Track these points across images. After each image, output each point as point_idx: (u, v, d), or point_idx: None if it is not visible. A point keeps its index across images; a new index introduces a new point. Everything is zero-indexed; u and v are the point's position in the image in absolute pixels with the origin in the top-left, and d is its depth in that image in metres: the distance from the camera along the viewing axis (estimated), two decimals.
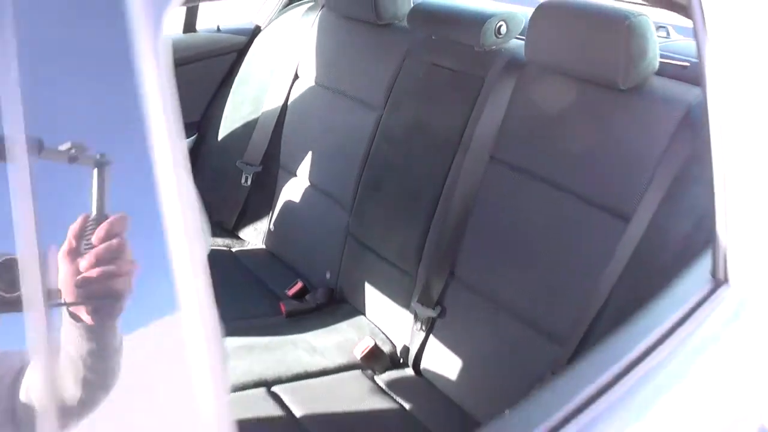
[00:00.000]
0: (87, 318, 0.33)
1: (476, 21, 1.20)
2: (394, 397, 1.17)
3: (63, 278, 0.32)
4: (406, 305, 1.25)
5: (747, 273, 0.72)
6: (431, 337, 1.21)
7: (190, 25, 1.72)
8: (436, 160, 1.24)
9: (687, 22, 0.74)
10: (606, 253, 0.95)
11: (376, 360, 1.24)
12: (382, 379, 1.22)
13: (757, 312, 0.74)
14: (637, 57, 0.95)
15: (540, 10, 1.07)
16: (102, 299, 0.34)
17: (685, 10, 0.71)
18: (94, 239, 0.33)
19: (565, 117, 1.08)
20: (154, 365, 0.34)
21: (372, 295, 1.34)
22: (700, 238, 0.82)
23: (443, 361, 1.18)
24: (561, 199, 1.04)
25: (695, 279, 0.73)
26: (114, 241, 0.33)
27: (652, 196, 0.90)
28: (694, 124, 0.90)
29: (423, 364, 1.22)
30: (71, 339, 0.33)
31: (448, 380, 1.17)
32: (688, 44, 1.14)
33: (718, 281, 0.71)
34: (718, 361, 0.70)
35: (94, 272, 0.33)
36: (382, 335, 1.30)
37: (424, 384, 1.22)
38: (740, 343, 0.72)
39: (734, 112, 0.71)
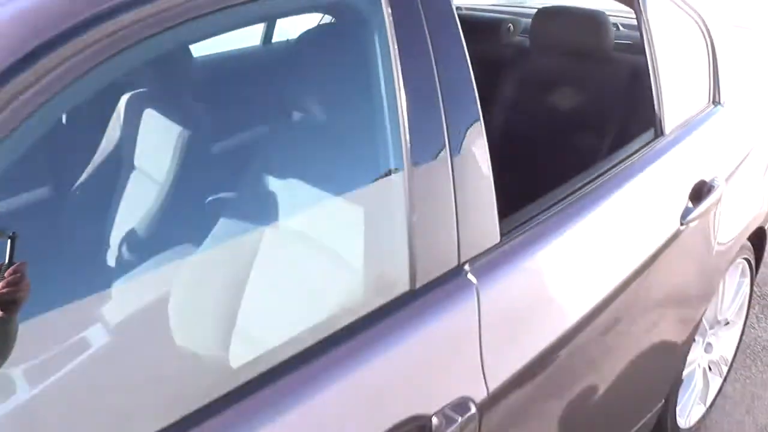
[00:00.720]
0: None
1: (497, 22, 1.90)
2: None
3: None
4: None
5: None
6: None
7: None
8: None
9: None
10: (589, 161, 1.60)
11: None
12: None
13: None
14: (606, 39, 1.64)
15: (541, 12, 1.76)
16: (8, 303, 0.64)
17: (631, 5, 1.39)
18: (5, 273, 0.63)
19: (560, 79, 1.77)
20: None
21: None
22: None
23: None
24: (555, 120, 1.72)
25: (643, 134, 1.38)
26: (16, 275, 0.62)
27: (620, 115, 1.59)
28: (638, 74, 1.58)
29: None
30: None
31: None
32: (629, 33, 1.87)
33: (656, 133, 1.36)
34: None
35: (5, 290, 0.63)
36: None
37: None
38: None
39: (660, 61, 1.38)
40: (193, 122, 1.08)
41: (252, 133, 1.15)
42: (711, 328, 1.76)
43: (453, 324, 0.87)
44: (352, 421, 0.78)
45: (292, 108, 1.03)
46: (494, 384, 0.90)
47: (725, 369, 1.88)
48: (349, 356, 0.78)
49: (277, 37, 1.70)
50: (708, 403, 1.82)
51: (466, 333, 0.88)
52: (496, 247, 0.93)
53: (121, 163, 1.03)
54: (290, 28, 1.47)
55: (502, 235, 0.94)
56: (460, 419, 0.83)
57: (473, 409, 0.85)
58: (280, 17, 1.47)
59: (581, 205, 1.10)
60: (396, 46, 0.82)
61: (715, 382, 1.84)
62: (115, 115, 1.04)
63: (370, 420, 0.79)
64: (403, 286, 0.84)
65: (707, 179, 1.37)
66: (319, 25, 1.35)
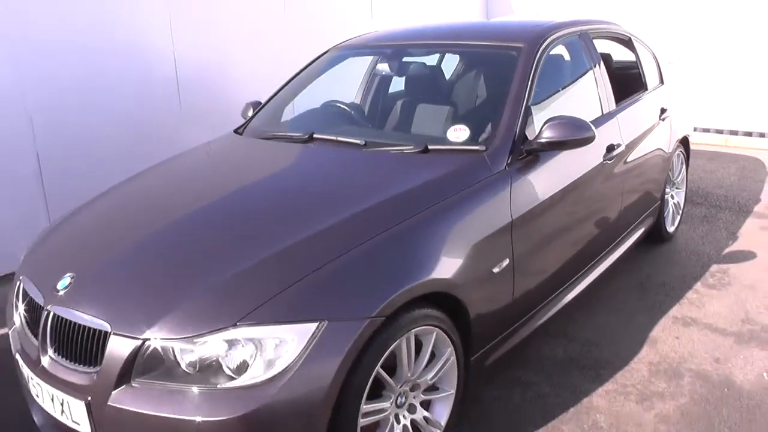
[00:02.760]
0: None
1: None
2: None
3: None
4: None
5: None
6: None
7: None
8: None
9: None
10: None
11: None
12: None
13: None
14: None
15: None
16: None
17: (629, 47, 3.65)
18: None
19: None
20: None
21: None
22: None
23: None
24: None
25: None
26: None
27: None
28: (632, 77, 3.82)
29: None
30: None
31: None
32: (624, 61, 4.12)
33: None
34: None
35: None
36: None
37: None
38: None
39: (644, 67, 3.64)
40: None
41: None
42: (670, 181, 3.92)
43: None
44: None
45: None
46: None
47: (682, 202, 4.08)
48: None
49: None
50: (677, 222, 4.01)
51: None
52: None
53: None
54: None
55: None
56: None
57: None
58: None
59: (608, 115, 3.23)
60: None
61: (678, 211, 4.04)
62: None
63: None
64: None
65: (665, 107, 3.60)
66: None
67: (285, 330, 1.64)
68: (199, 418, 1.61)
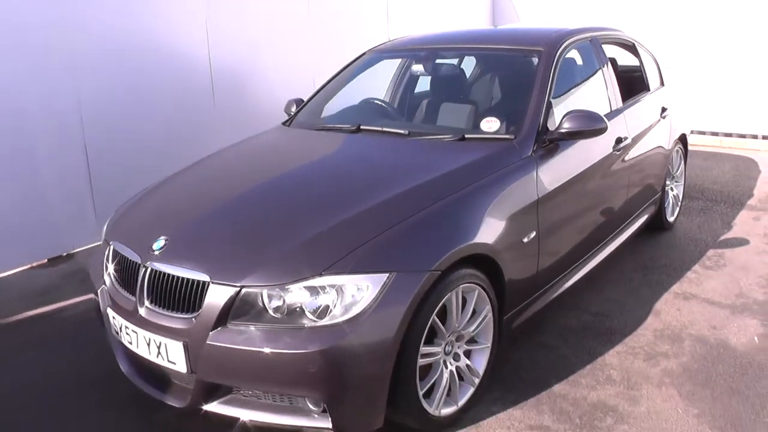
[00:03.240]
0: None
1: None
2: None
3: None
4: None
5: None
6: None
7: None
8: None
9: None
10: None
11: None
12: None
13: None
14: None
15: None
16: None
17: (633, 51, 4.02)
18: None
19: None
20: None
21: None
22: None
23: None
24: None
25: None
26: None
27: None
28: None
29: None
30: None
31: None
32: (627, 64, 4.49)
33: None
34: None
35: None
36: None
37: None
38: None
39: (647, 70, 4.01)
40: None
41: None
42: (670, 175, 4.28)
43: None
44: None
45: None
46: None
47: (681, 195, 4.44)
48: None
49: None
50: (676, 212, 4.37)
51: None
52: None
53: None
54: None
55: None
56: None
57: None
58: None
59: (617, 111, 3.58)
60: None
61: (677, 203, 4.40)
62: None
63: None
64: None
65: (665, 107, 3.96)
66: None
67: (362, 279, 1.98)
68: (286, 351, 1.95)
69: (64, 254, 4.37)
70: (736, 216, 4.58)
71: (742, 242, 4.08)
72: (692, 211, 4.69)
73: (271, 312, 2.01)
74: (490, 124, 2.82)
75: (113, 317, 2.36)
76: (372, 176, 2.54)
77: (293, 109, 3.68)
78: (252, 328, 2.01)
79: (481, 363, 2.43)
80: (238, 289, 2.03)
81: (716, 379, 2.61)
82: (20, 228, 4.07)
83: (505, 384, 2.59)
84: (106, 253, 2.53)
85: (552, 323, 3.10)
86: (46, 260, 4.29)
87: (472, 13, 8.06)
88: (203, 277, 2.08)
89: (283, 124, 3.56)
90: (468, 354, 2.41)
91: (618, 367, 2.72)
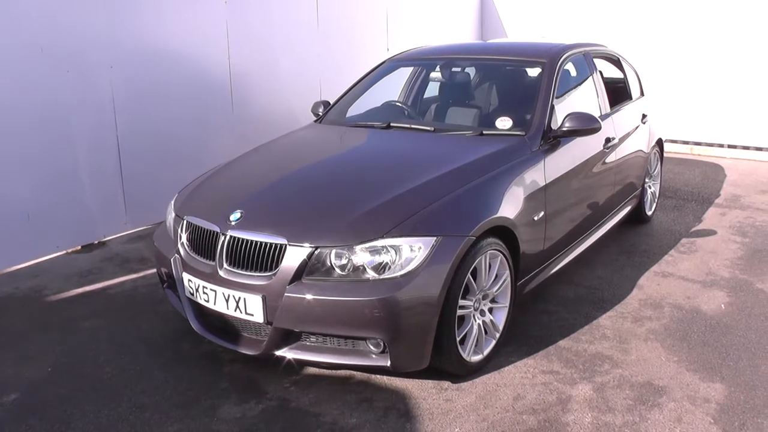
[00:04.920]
0: None
1: None
2: None
3: None
4: None
5: None
6: None
7: None
8: None
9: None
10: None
11: None
12: None
13: None
14: None
15: None
16: None
17: (617, 65, 4.60)
18: None
19: None
20: None
21: None
22: None
23: None
24: None
25: None
26: None
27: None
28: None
29: None
30: None
31: None
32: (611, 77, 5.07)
33: None
34: None
35: None
36: None
37: None
38: None
39: (630, 82, 4.58)
40: None
41: None
42: (648, 174, 4.85)
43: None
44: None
45: None
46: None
47: (657, 192, 5.02)
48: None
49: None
50: (653, 208, 4.95)
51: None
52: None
53: None
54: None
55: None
56: None
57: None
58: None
59: (606, 115, 4.14)
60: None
61: (654, 199, 4.97)
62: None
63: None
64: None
65: (645, 113, 4.54)
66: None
67: (416, 241, 2.45)
68: (354, 298, 2.40)
69: (96, 242, 4.72)
70: (706, 212, 5.18)
71: (710, 233, 4.66)
72: (667, 208, 5.28)
73: (337, 269, 2.47)
74: (504, 123, 3.33)
75: (189, 280, 2.78)
76: (412, 162, 3.03)
77: (320, 109, 4.14)
78: (322, 281, 2.46)
79: (501, 320, 2.92)
80: (312, 249, 2.48)
81: (691, 336, 3.14)
82: (56, 217, 4.40)
83: (518, 340, 3.08)
84: (180, 226, 2.94)
85: (552, 294, 3.60)
86: (79, 247, 4.65)
87: (462, 26, 8.64)
88: (281, 240, 2.53)
89: (315, 121, 4.02)
90: (490, 311, 2.89)
91: (611, 327, 3.23)
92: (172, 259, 2.90)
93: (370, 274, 2.45)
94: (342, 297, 2.41)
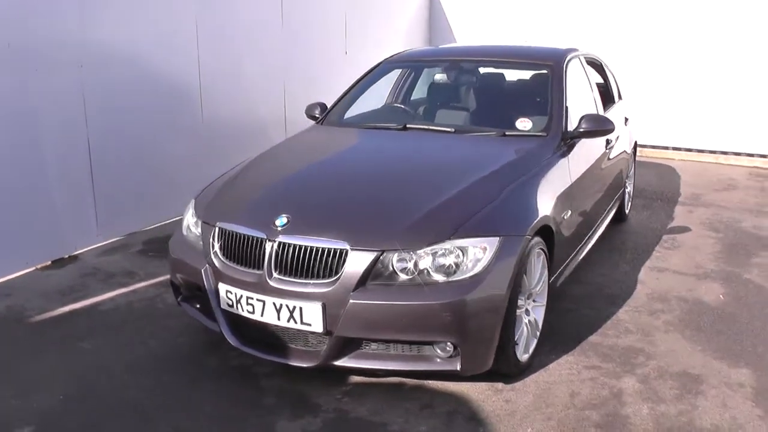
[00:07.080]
0: None
1: None
2: None
3: None
4: None
5: None
6: None
7: None
8: None
9: None
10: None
11: None
12: None
13: None
14: None
15: None
16: None
17: (601, 73, 4.80)
18: None
19: None
20: None
21: None
22: None
23: None
24: None
25: None
26: None
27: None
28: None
29: None
30: None
31: None
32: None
33: None
34: None
35: None
36: None
37: None
38: None
39: (611, 87, 4.78)
40: None
41: None
42: (627, 174, 5.09)
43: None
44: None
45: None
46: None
47: (632, 192, 5.27)
48: None
49: None
50: (629, 206, 5.20)
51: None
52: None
53: None
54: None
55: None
56: None
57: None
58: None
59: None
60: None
61: (630, 199, 5.22)
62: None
63: None
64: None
65: (627, 117, 4.76)
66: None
67: (482, 241, 2.43)
68: (423, 302, 2.34)
69: (67, 256, 4.35)
70: (674, 210, 5.51)
71: (685, 229, 4.95)
72: (637, 207, 5.56)
73: (401, 273, 2.39)
74: (524, 123, 3.39)
75: (227, 291, 2.60)
76: (451, 163, 3.02)
77: (316, 111, 4.01)
78: (390, 286, 2.38)
79: (540, 318, 2.95)
80: (378, 254, 2.39)
81: (704, 326, 3.32)
82: (24, 230, 4.02)
83: (551, 339, 3.12)
84: (212, 234, 2.74)
85: (563, 294, 3.69)
86: (49, 262, 4.26)
87: (412, 30, 8.71)
88: (342, 245, 2.42)
89: (316, 123, 3.91)
90: (532, 310, 2.91)
91: (630, 322, 3.35)
92: (203, 270, 2.71)
93: (437, 277, 2.40)
94: (411, 301, 2.34)
